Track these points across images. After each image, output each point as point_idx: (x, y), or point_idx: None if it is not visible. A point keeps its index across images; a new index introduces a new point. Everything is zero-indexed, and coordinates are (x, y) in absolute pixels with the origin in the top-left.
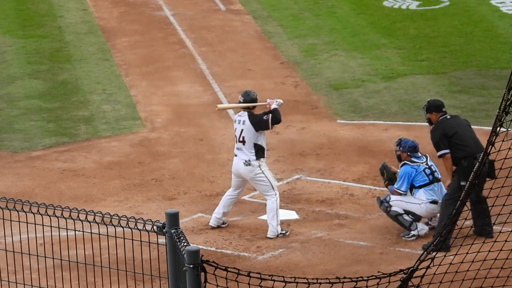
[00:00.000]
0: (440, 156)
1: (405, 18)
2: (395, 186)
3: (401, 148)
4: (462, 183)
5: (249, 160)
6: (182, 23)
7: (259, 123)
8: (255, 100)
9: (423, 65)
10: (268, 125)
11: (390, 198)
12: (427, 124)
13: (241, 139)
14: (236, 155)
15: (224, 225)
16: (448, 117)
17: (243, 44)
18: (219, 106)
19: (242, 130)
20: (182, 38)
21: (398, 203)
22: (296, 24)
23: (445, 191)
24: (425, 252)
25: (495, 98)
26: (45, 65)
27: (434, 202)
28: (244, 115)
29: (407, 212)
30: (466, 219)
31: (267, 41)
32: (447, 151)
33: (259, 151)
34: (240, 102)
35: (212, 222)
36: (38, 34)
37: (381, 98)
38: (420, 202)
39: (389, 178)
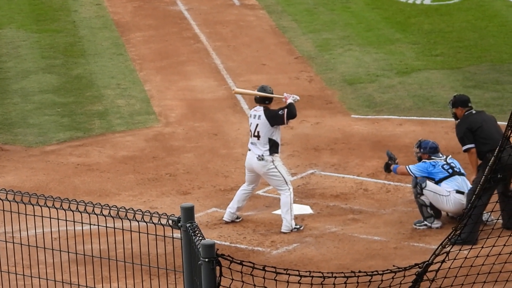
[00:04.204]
0: (465, 151)
1: (420, 13)
2: (411, 166)
3: (421, 150)
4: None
5: (262, 155)
6: (197, 18)
7: (275, 118)
8: (263, 98)
9: (438, 60)
10: (283, 120)
11: (425, 185)
12: (442, 118)
13: (255, 133)
14: (249, 150)
15: (238, 220)
16: (474, 112)
17: (257, 39)
18: (236, 89)
19: (257, 125)
20: (197, 32)
21: (429, 194)
22: (310, 19)
23: (469, 184)
24: (440, 246)
25: (509, 93)
26: (59, 59)
27: (460, 192)
28: (260, 110)
29: (432, 207)
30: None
31: (282, 36)
32: (472, 145)
33: (273, 147)
34: (256, 97)
35: (226, 217)
36: (52, 28)
37: (395, 93)
38: (448, 193)
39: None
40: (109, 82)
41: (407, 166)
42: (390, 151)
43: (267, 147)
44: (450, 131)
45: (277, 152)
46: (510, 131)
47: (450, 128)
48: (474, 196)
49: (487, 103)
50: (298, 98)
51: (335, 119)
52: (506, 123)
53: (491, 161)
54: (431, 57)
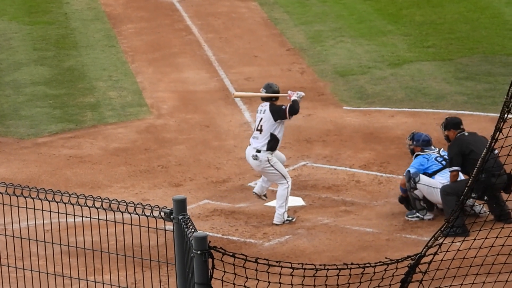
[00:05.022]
0: (450, 171)
1: (412, 4)
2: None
3: (414, 142)
4: (474, 195)
5: (257, 155)
6: (189, 10)
7: (278, 112)
8: (277, 92)
9: (429, 52)
10: (285, 114)
11: (419, 179)
12: (434, 110)
13: (259, 127)
14: (249, 144)
15: (265, 198)
16: (466, 134)
17: (249, 31)
18: (236, 93)
19: (261, 119)
20: (188, 24)
21: (423, 188)
22: (302, 11)
23: (461, 176)
24: (433, 238)
25: (502, 84)
26: (51, 51)
27: None
28: (266, 105)
29: (425, 200)
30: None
31: (274, 27)
32: (458, 168)
33: (272, 141)
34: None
35: (257, 189)
36: (44, 20)
37: (387, 84)
38: (441, 185)
39: None
40: (101, 74)
41: (404, 174)
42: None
43: (267, 141)
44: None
45: (274, 149)
46: (502, 123)
47: (442, 119)
48: (466, 189)
49: (479, 95)
50: (303, 94)
51: (327, 110)
52: (498, 115)
53: (483, 153)
54: (423, 49)
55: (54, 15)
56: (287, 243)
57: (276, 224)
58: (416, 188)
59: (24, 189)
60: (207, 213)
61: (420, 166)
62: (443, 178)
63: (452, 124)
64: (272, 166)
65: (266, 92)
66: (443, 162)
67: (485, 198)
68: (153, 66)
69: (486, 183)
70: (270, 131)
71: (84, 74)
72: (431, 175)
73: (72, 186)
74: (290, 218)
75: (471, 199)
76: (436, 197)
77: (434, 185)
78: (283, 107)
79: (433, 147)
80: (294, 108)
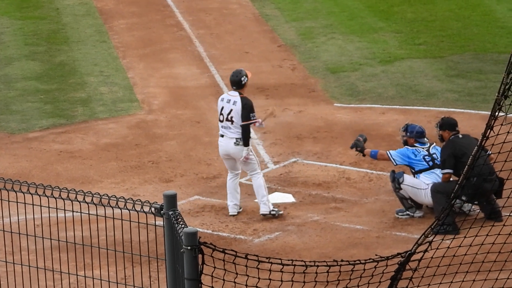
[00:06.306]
0: (442, 173)
1: (403, 1)
2: (391, 151)
3: (408, 134)
4: (464, 198)
5: (239, 139)
6: (180, 6)
7: (248, 113)
8: (240, 81)
9: (421, 49)
10: (248, 121)
11: (403, 180)
12: (425, 107)
13: (229, 118)
14: (222, 136)
15: (240, 209)
16: (460, 136)
17: (240, 27)
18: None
19: (231, 110)
20: (180, 20)
21: (408, 188)
22: (293, 7)
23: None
24: (423, 236)
25: (493, 82)
26: (42, 46)
27: None
28: (236, 96)
29: (412, 200)
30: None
31: (265, 24)
32: (450, 171)
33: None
34: (234, 79)
35: (232, 211)
36: (35, 15)
37: (378, 81)
38: (426, 186)
39: (364, 140)
40: (92, 69)
41: (387, 151)
42: (363, 135)
43: (240, 131)
44: (432, 120)
45: (249, 138)
46: (493, 120)
47: (432, 117)
48: (457, 186)
49: (470, 92)
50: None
51: (318, 107)
52: (489, 113)
53: (474, 150)
54: (414, 46)
55: (46, 10)
56: (277, 239)
57: (264, 214)
58: (401, 188)
59: (14, 183)
60: (198, 209)
61: (405, 158)
62: (427, 179)
63: (448, 125)
64: (251, 151)
65: (232, 80)
66: (430, 163)
67: (475, 202)
68: (144, 62)
69: (477, 187)
70: (240, 123)
71: (75, 69)
72: (415, 172)
73: (62, 181)
74: (276, 210)
75: (460, 201)
76: (420, 197)
77: (418, 185)
78: (251, 115)
79: (426, 139)
80: (246, 139)
